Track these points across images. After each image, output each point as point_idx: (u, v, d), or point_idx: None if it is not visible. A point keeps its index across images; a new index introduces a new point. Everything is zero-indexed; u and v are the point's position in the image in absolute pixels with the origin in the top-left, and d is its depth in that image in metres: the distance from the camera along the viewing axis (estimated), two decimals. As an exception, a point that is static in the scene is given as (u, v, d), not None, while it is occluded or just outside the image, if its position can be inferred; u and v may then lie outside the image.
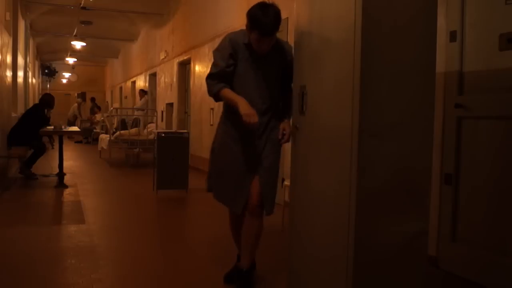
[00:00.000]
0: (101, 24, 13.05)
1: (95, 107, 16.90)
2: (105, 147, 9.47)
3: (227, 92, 2.57)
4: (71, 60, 19.54)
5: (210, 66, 2.66)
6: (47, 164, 8.10)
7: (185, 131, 6.51)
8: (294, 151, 2.45)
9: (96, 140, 12.86)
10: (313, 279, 2.22)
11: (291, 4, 2.52)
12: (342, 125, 1.97)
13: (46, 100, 7.48)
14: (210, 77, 2.61)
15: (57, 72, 22.97)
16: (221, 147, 2.70)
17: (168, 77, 11.03)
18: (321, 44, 2.15)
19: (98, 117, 14.90)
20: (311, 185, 2.24)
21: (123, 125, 10.19)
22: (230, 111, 2.63)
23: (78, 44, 14.48)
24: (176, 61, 10.15)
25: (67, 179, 6.52)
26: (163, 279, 2.93)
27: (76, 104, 17.24)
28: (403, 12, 1.97)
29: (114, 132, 9.64)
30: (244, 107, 2.46)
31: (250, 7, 2.46)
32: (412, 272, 2.05)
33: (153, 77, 12.77)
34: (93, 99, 17.73)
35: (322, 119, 2.15)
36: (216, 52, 2.64)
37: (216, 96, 2.62)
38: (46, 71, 22.25)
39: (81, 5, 10.24)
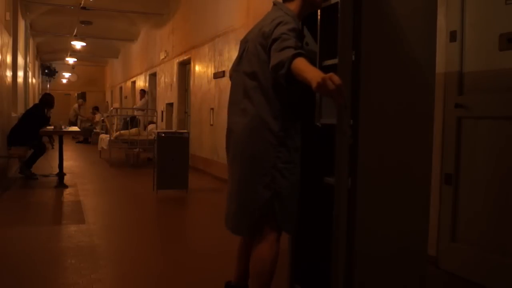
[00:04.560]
0: (101, 24, 13.04)
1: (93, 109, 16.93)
2: (105, 147, 9.47)
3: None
4: (71, 60, 19.53)
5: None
6: (47, 164, 8.10)
7: (185, 131, 6.51)
8: None
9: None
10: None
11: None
12: (340, 124, 1.96)
13: (46, 100, 7.47)
14: None
15: (57, 72, 22.96)
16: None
17: (168, 77, 11.03)
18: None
19: (98, 117, 14.90)
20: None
21: (123, 124, 10.18)
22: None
23: (78, 44, 14.48)
24: (176, 61, 10.15)
25: (67, 179, 6.51)
26: (162, 279, 2.93)
27: (76, 105, 17.28)
28: (403, 11, 1.97)
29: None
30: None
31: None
32: (412, 272, 2.05)
33: (153, 77, 12.76)
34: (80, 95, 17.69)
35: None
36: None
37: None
38: (46, 71, 22.24)
39: (81, 5, 10.23)
